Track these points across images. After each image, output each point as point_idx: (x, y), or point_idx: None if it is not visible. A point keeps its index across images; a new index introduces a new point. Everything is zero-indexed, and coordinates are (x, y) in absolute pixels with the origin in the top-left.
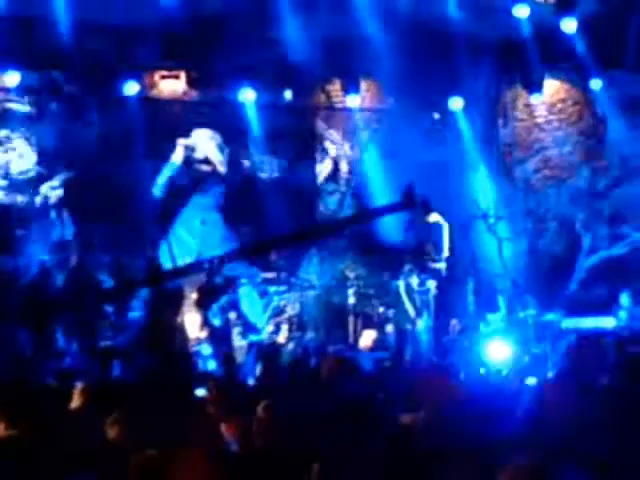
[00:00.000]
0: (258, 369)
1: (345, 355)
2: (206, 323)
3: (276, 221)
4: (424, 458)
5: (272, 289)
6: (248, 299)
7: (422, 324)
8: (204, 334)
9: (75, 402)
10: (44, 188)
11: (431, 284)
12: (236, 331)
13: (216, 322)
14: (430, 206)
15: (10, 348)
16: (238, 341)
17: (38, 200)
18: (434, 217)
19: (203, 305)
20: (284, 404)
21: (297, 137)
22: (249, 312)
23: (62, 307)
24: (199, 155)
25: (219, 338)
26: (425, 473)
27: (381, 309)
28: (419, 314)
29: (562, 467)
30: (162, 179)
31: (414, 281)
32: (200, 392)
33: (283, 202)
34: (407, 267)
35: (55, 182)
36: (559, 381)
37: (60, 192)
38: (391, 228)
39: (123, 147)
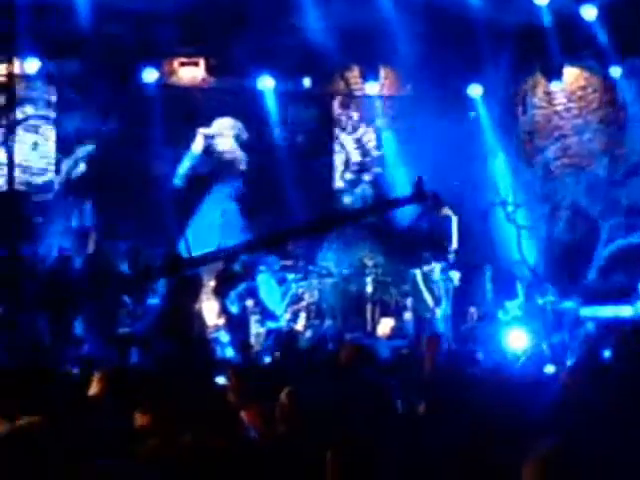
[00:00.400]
0: (276, 356)
1: (363, 343)
2: (224, 310)
3: (294, 210)
4: (439, 448)
5: (290, 277)
6: (266, 286)
7: (440, 312)
8: (222, 321)
9: (93, 389)
10: (65, 165)
11: (449, 273)
12: (254, 318)
13: (233, 309)
14: (440, 199)
15: (29, 335)
16: (256, 328)
17: (57, 181)
18: (445, 211)
19: (221, 293)
20: (302, 390)
21: (316, 124)
22: (267, 299)
23: (81, 294)
24: (219, 145)
25: (236, 325)
26: (439, 462)
27: (399, 297)
28: (437, 302)
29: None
30: (183, 169)
31: (431, 269)
32: (220, 380)
33: (301, 191)
34: (424, 255)
35: (79, 154)
36: (578, 369)
37: (82, 168)
38: (408, 216)
39: (142, 134)
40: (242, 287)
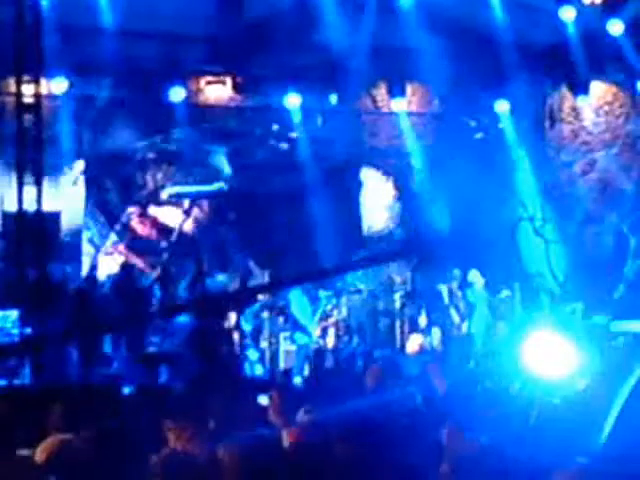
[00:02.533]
0: (306, 372)
1: (391, 361)
2: (237, 327)
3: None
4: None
5: (322, 294)
6: (298, 303)
7: (468, 329)
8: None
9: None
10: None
11: (476, 289)
12: (283, 335)
13: (247, 327)
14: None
15: (59, 355)
16: (286, 346)
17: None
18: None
19: (236, 309)
20: (329, 407)
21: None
22: (299, 315)
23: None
24: None
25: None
26: None
27: (427, 313)
28: (463, 319)
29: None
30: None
31: (457, 286)
32: (262, 400)
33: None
34: (453, 272)
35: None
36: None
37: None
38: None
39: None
40: (257, 306)
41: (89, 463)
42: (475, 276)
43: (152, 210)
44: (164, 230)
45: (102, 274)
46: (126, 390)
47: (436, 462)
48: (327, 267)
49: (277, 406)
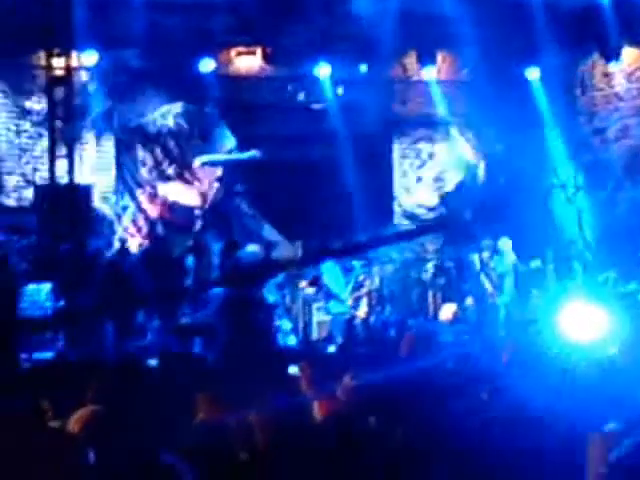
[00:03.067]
0: (342, 341)
1: (425, 329)
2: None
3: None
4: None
5: (356, 264)
6: (331, 273)
7: (503, 297)
8: None
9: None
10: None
11: (506, 255)
12: (316, 306)
13: (271, 298)
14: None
15: (93, 328)
16: (319, 316)
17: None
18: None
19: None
20: (364, 376)
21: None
22: (332, 285)
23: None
24: None
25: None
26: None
27: (460, 282)
28: (497, 287)
29: None
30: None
31: (489, 255)
32: (292, 370)
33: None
34: (485, 242)
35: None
36: None
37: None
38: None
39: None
40: (280, 277)
41: (121, 433)
42: (505, 244)
43: (161, 189)
44: (176, 208)
45: (133, 245)
46: (155, 361)
47: (476, 422)
48: (359, 241)
49: (308, 376)
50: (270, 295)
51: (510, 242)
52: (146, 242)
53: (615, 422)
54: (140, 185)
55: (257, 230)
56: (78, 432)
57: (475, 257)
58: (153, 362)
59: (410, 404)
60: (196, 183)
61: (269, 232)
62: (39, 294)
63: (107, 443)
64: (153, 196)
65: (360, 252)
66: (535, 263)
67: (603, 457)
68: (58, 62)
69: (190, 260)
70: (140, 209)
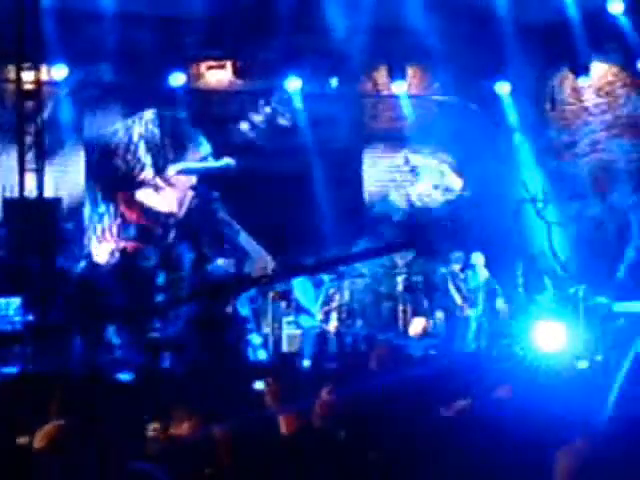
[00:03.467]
0: (312, 356)
1: (394, 343)
2: (234, 312)
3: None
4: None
5: (326, 278)
6: (302, 287)
7: (472, 311)
8: None
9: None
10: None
11: (478, 270)
12: (286, 320)
13: (243, 311)
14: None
15: (62, 342)
16: (289, 330)
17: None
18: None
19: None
20: (337, 390)
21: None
22: (303, 299)
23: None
24: None
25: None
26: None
27: (430, 296)
28: (467, 301)
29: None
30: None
31: (460, 268)
32: (258, 385)
33: (332, 192)
34: (455, 255)
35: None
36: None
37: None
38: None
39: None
40: (253, 290)
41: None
42: (478, 259)
43: (138, 195)
44: (152, 214)
45: (103, 260)
46: (126, 376)
47: (443, 439)
48: (330, 257)
49: (273, 391)
50: (242, 308)
51: (483, 257)
52: (122, 245)
53: (582, 437)
54: (117, 191)
55: (233, 239)
56: (43, 448)
57: (444, 270)
58: (122, 376)
59: (380, 419)
60: (169, 190)
61: (246, 240)
62: (8, 308)
63: (73, 458)
64: (131, 201)
65: (331, 268)
66: (507, 275)
67: (569, 472)
68: (28, 76)
69: (161, 275)
70: (117, 214)
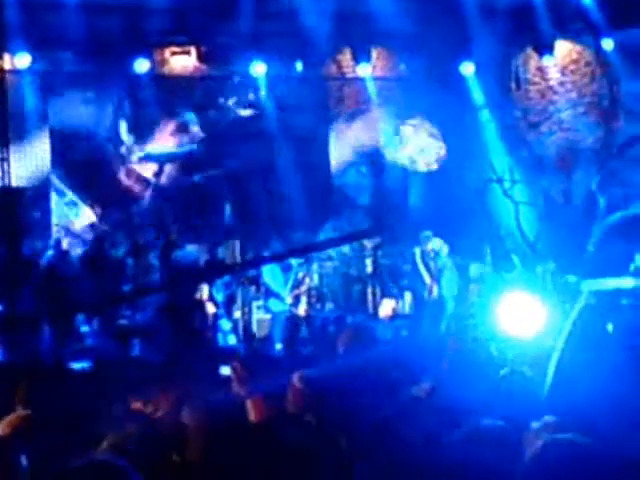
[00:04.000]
0: (282, 340)
1: (363, 325)
2: (210, 298)
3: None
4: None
5: (294, 262)
6: (270, 272)
7: (440, 291)
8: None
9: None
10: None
11: (446, 250)
12: (256, 304)
13: (219, 297)
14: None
15: (31, 332)
16: (259, 314)
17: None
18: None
19: (207, 280)
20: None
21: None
22: (272, 283)
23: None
24: None
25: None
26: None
27: (399, 278)
28: (436, 281)
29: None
30: None
31: (430, 248)
32: (225, 370)
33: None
34: (424, 234)
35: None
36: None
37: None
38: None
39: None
40: (228, 276)
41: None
42: (438, 243)
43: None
44: (144, 181)
45: (71, 248)
46: (93, 364)
47: (411, 417)
48: (297, 246)
49: (240, 376)
50: (217, 294)
51: (441, 240)
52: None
53: (549, 416)
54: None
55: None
56: (8, 436)
57: (416, 250)
58: (87, 365)
59: (347, 401)
60: (133, 179)
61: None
62: None
63: (38, 446)
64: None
65: (302, 255)
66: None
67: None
68: None
69: (130, 261)
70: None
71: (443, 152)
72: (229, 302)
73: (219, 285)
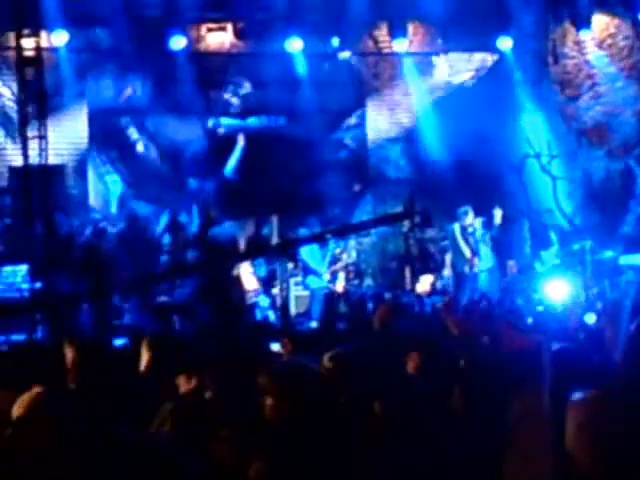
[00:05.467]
0: (320, 316)
1: (401, 301)
2: (253, 274)
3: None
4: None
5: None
6: (308, 248)
7: (481, 266)
8: (256, 285)
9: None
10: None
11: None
12: (294, 281)
13: (261, 272)
14: (429, 218)
15: (69, 309)
16: (296, 291)
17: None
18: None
19: (250, 256)
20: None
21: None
22: (310, 260)
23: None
24: None
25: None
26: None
27: (438, 253)
28: (476, 256)
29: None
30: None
31: (470, 223)
32: (275, 347)
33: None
34: (462, 209)
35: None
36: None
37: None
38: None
39: (173, 102)
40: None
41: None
42: (471, 217)
43: None
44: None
45: (109, 225)
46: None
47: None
48: (335, 227)
49: (289, 352)
50: (259, 269)
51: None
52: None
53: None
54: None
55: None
56: (22, 415)
57: (456, 225)
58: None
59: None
60: None
61: None
62: (15, 276)
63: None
64: None
65: (339, 236)
66: (513, 232)
67: (583, 422)
68: (28, 43)
69: (167, 238)
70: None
71: None
72: (270, 278)
73: (260, 260)
